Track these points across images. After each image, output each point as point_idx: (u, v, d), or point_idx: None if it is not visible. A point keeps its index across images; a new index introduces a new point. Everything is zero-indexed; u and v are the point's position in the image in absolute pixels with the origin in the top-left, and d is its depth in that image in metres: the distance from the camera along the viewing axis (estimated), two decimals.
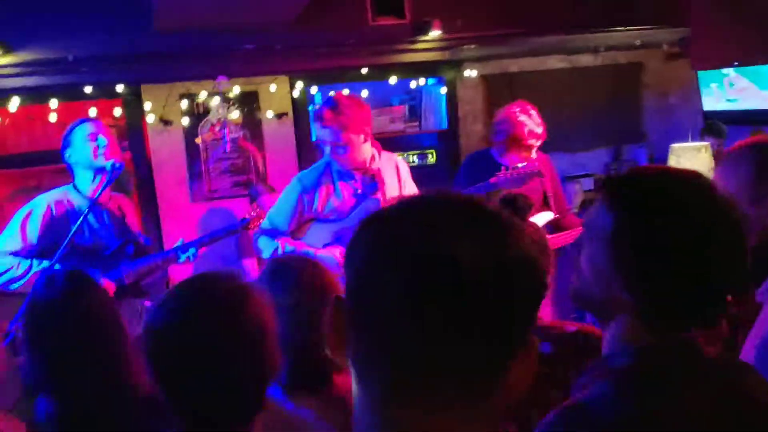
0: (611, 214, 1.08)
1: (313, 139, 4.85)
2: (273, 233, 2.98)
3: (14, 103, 4.06)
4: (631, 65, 5.45)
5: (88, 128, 2.87)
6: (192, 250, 2.90)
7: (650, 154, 5.53)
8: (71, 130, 2.90)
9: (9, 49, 3.48)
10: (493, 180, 3.07)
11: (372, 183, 2.99)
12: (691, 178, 1.13)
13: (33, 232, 2.78)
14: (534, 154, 3.48)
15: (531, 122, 3.39)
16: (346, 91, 4.21)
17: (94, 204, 2.78)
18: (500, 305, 0.67)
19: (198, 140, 4.55)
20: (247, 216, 3.03)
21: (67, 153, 2.90)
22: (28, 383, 1.73)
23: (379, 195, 2.98)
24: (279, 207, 3.02)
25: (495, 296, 0.66)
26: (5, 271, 2.73)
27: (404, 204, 0.75)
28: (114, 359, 1.69)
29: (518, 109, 3.42)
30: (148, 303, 2.92)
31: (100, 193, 2.82)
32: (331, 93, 3.01)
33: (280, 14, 3.50)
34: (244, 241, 4.20)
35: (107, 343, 1.69)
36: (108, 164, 2.84)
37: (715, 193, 1.09)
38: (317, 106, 4.68)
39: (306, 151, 4.80)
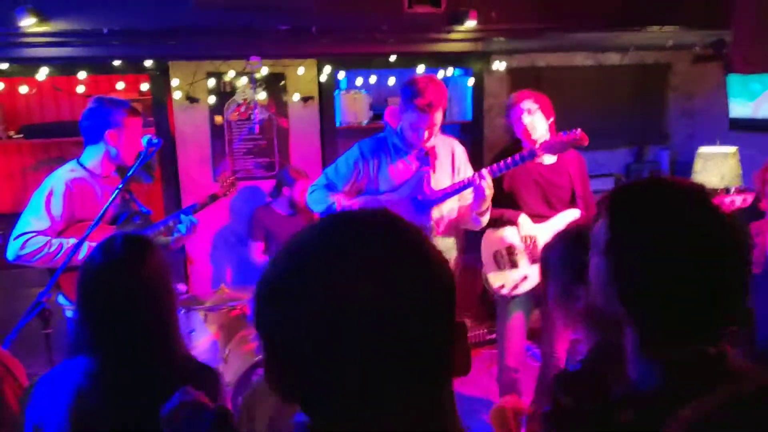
0: (606, 227, 1.11)
1: (338, 124, 4.83)
2: (328, 189, 3.17)
3: (42, 73, 4.04)
4: (658, 66, 5.42)
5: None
6: (190, 216, 3.03)
7: (673, 157, 5.51)
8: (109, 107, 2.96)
9: (45, 19, 3.45)
10: (536, 148, 3.07)
11: (425, 158, 3.12)
12: (692, 191, 1.10)
13: (57, 210, 2.80)
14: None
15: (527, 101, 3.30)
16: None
17: (127, 178, 2.79)
18: None
19: (218, 119, 4.52)
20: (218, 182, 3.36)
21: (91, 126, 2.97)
22: (74, 343, 1.73)
23: (428, 168, 3.10)
24: (337, 167, 3.21)
25: None
26: (40, 249, 2.73)
27: None
28: (164, 323, 1.70)
29: (509, 101, 3.37)
30: None
31: (135, 167, 2.81)
32: (417, 75, 3.04)
33: None
34: (254, 224, 4.36)
35: (159, 307, 1.69)
36: (144, 139, 2.83)
37: (713, 208, 1.07)
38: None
39: (330, 135, 4.78)
